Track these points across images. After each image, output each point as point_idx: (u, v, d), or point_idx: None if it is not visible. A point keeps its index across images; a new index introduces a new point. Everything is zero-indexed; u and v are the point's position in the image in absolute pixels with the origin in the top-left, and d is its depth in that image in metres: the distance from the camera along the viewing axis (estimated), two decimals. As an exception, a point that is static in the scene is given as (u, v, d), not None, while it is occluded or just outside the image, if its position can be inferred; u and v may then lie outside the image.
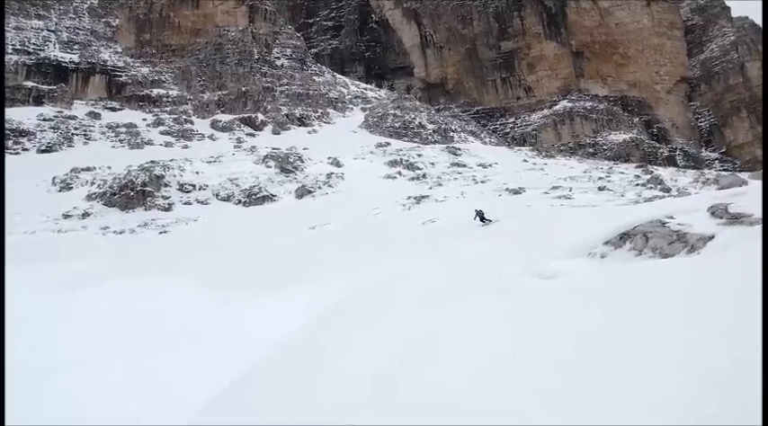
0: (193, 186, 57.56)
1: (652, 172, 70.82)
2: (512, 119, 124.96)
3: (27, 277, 21.58)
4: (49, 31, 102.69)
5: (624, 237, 12.98)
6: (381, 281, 17.62)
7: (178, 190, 56.60)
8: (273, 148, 73.58)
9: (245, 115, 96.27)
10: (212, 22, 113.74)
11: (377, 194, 56.82)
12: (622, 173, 71.56)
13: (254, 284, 20.14)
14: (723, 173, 77.01)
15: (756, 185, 19.29)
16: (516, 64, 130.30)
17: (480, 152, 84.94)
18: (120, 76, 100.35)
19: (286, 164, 66.71)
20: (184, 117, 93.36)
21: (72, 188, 57.25)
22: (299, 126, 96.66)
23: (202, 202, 55.35)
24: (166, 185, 56.62)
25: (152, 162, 61.11)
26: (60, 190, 56.77)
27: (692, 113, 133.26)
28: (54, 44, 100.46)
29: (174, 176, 58.34)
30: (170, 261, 28.66)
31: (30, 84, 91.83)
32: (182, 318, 15.04)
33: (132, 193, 54.03)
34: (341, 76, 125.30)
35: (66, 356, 11.34)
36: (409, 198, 54.58)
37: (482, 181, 64.33)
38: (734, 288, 7.39)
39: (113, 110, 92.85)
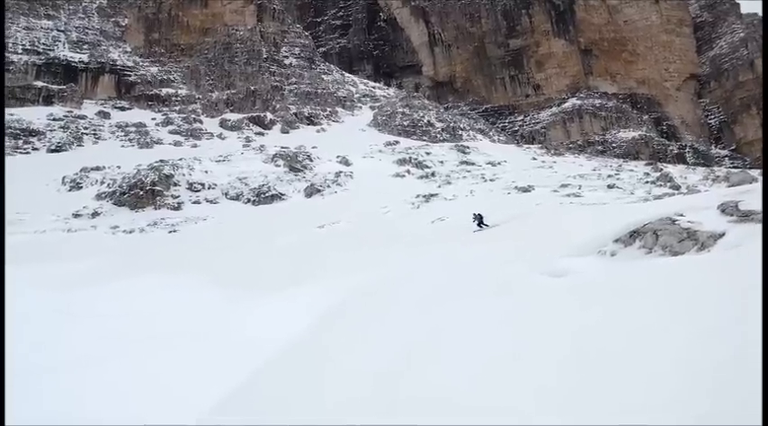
0: (202, 185, 57.66)
1: (662, 169, 70.66)
2: (520, 117, 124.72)
3: (36, 276, 21.64)
4: (58, 30, 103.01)
5: (634, 235, 12.93)
6: (386, 280, 17.57)
7: (187, 189, 56.71)
8: (282, 147, 73.67)
9: (254, 114, 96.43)
10: (221, 21, 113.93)
11: (386, 193, 56.78)
12: (632, 170, 71.41)
13: (263, 283, 20.13)
14: (733, 170, 76.82)
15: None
16: (525, 62, 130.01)
17: (489, 150, 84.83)
18: (130, 76, 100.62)
19: (295, 162, 66.77)
20: (193, 116, 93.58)
21: (82, 187, 57.43)
22: (308, 125, 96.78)
23: (212, 201, 55.45)
24: (176, 184, 56.73)
25: (161, 161, 61.26)
26: (70, 190, 56.96)
27: (702, 110, 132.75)
28: (63, 44, 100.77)
29: (184, 175, 58.46)
30: (179, 260, 28.68)
31: (39, 83, 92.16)
32: (188, 317, 15.03)
33: (142, 192, 54.15)
34: (349, 75, 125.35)
35: (70, 355, 11.31)
36: (418, 196, 54.56)
37: (491, 180, 64.23)
38: (743, 286, 7.35)
39: (123, 109, 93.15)
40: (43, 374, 10.02)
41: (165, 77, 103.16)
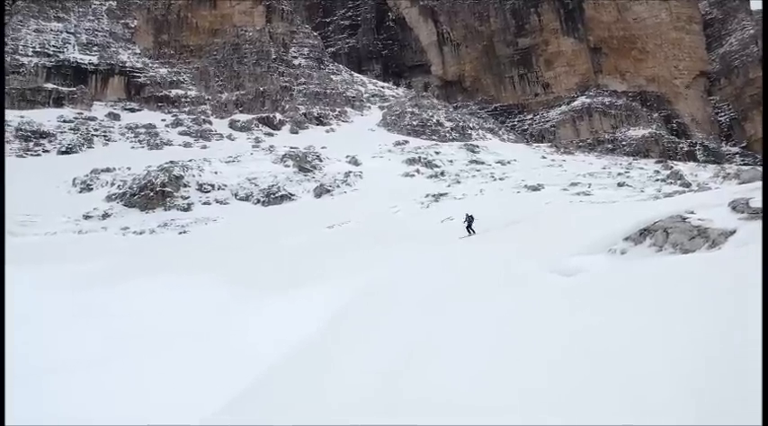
0: (212, 186, 57.78)
1: (672, 167, 70.48)
2: (530, 116, 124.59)
3: (47, 277, 21.72)
4: (68, 33, 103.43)
5: (644, 233, 12.89)
6: (395, 280, 17.58)
7: (197, 190, 56.84)
8: (291, 148, 73.86)
9: (263, 115, 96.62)
10: (230, 22, 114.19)
11: (395, 192, 56.83)
12: (642, 168, 71.24)
13: (272, 283, 20.12)
14: (744, 167, 76.45)
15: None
16: (534, 60, 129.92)
17: (498, 149, 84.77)
18: (139, 77, 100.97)
19: (304, 163, 66.88)
20: (203, 117, 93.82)
21: (92, 189, 57.63)
22: (317, 125, 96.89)
23: (221, 202, 55.57)
24: (185, 185, 56.88)
25: (171, 162, 61.46)
26: (81, 191, 57.17)
27: (712, 108, 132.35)
28: (73, 46, 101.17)
29: (194, 176, 58.60)
30: (189, 261, 28.74)
31: (50, 85, 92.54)
32: (197, 318, 15.03)
33: (152, 194, 54.31)
34: (358, 75, 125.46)
35: (76, 355, 11.29)
36: (428, 196, 54.55)
37: (500, 179, 64.18)
38: (753, 284, 7.31)
39: (132, 111, 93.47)
40: (46, 375, 9.97)
41: (174, 79, 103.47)
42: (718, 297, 7.35)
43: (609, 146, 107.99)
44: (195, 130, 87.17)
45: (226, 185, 58.44)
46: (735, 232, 10.89)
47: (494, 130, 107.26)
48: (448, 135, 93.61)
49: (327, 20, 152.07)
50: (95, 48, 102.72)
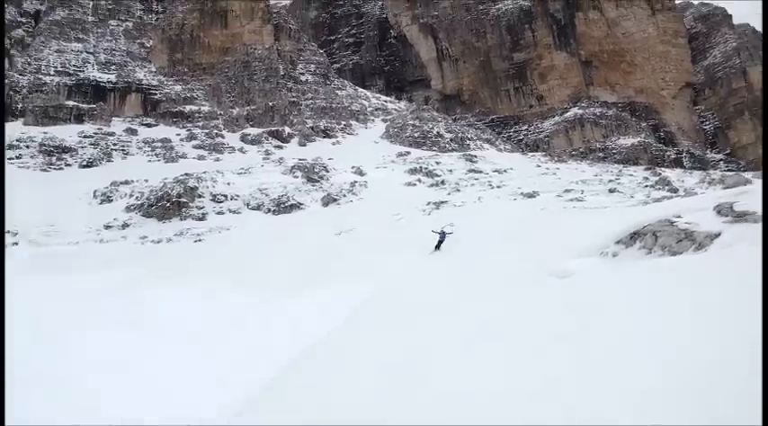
0: (225, 196, 57.89)
1: (660, 174, 70.49)
2: (525, 127, 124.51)
3: (70, 285, 21.84)
4: (87, 52, 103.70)
5: (635, 237, 13.01)
6: (400, 284, 17.70)
7: (211, 200, 56.94)
8: (300, 159, 74.00)
9: (273, 128, 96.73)
10: (240, 41, 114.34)
11: (398, 201, 56.92)
12: (631, 175, 71.28)
13: (286, 287, 20.25)
14: (728, 173, 76.48)
15: (760, 183, 19.17)
16: (528, 74, 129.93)
17: (495, 158, 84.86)
18: (155, 94, 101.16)
19: (312, 173, 67.02)
20: (215, 131, 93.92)
21: (112, 200, 57.76)
22: (324, 137, 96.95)
23: (234, 212, 55.64)
24: (200, 196, 56.99)
25: (186, 174, 61.56)
26: (101, 203, 57.29)
27: (697, 117, 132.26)
28: (93, 65, 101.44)
29: (207, 187, 58.72)
30: (206, 267, 28.86)
31: (71, 103, 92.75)
32: (210, 321, 15.15)
33: (168, 204, 54.41)
34: (362, 90, 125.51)
35: (116, 356, 11.36)
36: (429, 203, 54.64)
37: (498, 187, 64.27)
38: (738, 284, 7.40)
39: (149, 126, 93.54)
40: (67, 378, 9.94)
41: (188, 95, 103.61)
42: (705, 295, 7.46)
43: (600, 154, 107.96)
44: (208, 144, 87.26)
45: (238, 195, 58.53)
46: (720, 235, 10.99)
47: (491, 141, 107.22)
48: (447, 146, 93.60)
49: (332, 38, 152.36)
50: (113, 67, 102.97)
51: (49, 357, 10.39)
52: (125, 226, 50.35)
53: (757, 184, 19.52)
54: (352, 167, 72.38)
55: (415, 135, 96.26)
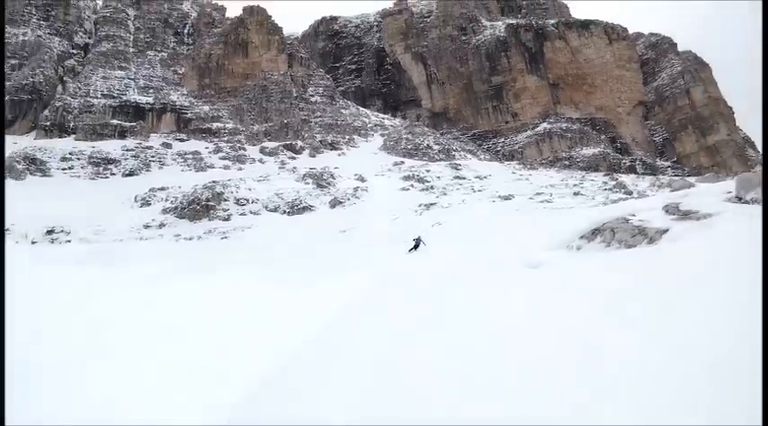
0: (247, 200, 57.91)
1: (617, 179, 70.63)
2: (502, 140, 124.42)
3: (116, 276, 21.84)
4: (129, 79, 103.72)
5: (596, 232, 13.01)
6: (396, 274, 17.76)
7: (235, 203, 56.96)
8: (310, 168, 74.08)
9: (287, 142, 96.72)
10: (259, 68, 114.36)
11: (394, 203, 57.02)
12: (593, 180, 71.38)
13: (301, 276, 20.27)
14: (675, 178, 76.54)
15: (702, 187, 19.20)
16: (504, 94, 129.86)
17: (477, 167, 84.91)
18: (187, 113, 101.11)
19: (321, 180, 67.08)
20: (238, 145, 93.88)
21: (150, 204, 57.78)
22: (331, 150, 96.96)
23: (254, 213, 55.67)
24: (225, 200, 57.01)
25: (213, 181, 61.64)
26: (141, 206, 57.31)
27: (648, 130, 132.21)
28: (133, 89, 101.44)
29: (232, 192, 58.75)
30: (231, 260, 28.86)
31: (115, 121, 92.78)
32: (239, 304, 15.13)
33: (198, 207, 54.43)
34: (363, 109, 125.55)
35: (155, 337, 11.32)
36: (420, 205, 54.69)
37: (479, 191, 64.35)
38: (684, 272, 7.47)
39: (182, 140, 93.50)
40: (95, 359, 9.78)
41: (215, 114, 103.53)
42: (654, 281, 7.53)
43: (566, 162, 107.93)
44: (232, 156, 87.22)
45: (258, 199, 58.55)
46: (668, 230, 11.00)
47: (473, 152, 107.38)
48: (436, 156, 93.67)
49: (337, 65, 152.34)
50: (151, 91, 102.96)
51: (81, 340, 10.18)
52: (161, 225, 50.37)
53: (699, 187, 19.55)
54: (355, 175, 72.47)
55: (409, 147, 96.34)
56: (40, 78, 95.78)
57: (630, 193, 56.40)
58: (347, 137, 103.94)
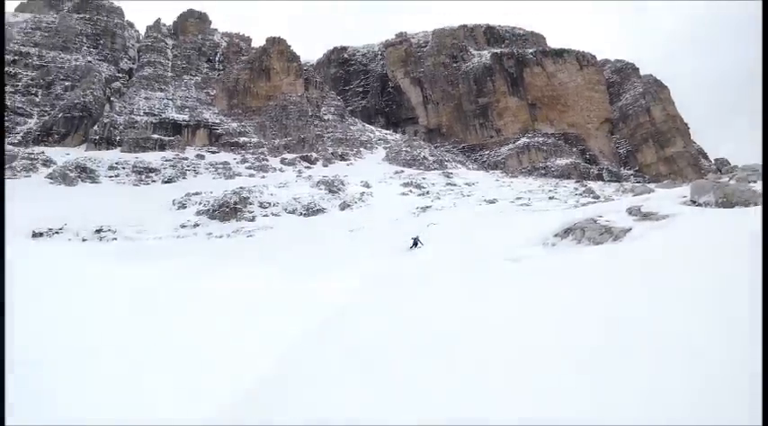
0: (269, 204, 57.92)
1: (586, 185, 70.62)
2: (487, 152, 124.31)
3: (158, 268, 21.88)
4: (168, 99, 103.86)
5: (568, 231, 13.00)
6: (395, 266, 17.77)
7: (258, 206, 56.95)
8: (323, 176, 74.05)
9: (304, 154, 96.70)
10: (279, 90, 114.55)
11: (395, 206, 57.06)
12: (565, 186, 71.35)
13: (316, 267, 20.30)
14: (636, 184, 76.47)
15: (660, 192, 19.13)
16: (490, 113, 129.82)
17: (466, 175, 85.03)
18: (217, 129, 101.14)
19: (332, 186, 67.08)
20: (262, 156, 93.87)
21: (186, 207, 57.79)
22: (341, 160, 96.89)
23: (275, 215, 55.66)
24: (251, 203, 57.02)
25: (240, 188, 61.67)
26: (178, 209, 57.32)
27: (614, 143, 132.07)
28: (171, 108, 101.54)
29: (256, 197, 58.77)
30: (257, 255, 28.94)
31: (155, 136, 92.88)
32: (260, 298, 15.14)
33: (227, 209, 54.44)
34: (368, 125, 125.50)
35: (195, 318, 11.28)
36: (417, 208, 54.67)
37: (468, 195, 64.33)
38: (643, 265, 7.47)
39: (213, 153, 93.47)
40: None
41: (241, 130, 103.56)
42: (618, 272, 7.52)
43: (542, 171, 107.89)
44: (256, 166, 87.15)
45: (278, 203, 58.56)
46: (630, 229, 11.00)
47: (462, 162, 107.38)
48: (431, 166, 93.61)
49: (347, 88, 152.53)
50: (186, 110, 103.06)
51: (127, 324, 10.20)
52: (196, 225, 50.38)
53: (658, 192, 19.53)
54: (362, 182, 72.50)
55: (407, 158, 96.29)
56: (90, 98, 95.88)
57: (598, 198, 56.29)
58: (355, 149, 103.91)
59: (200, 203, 58.34)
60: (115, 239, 42.50)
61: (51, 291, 12.83)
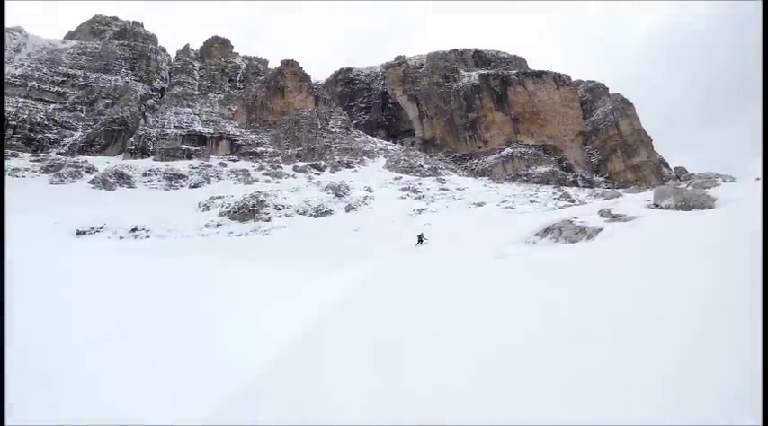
0: (283, 206, 57.92)
1: (563, 191, 70.53)
2: (476, 161, 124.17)
3: (185, 263, 21.89)
4: (195, 114, 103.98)
5: (547, 231, 12.99)
6: (396, 263, 17.76)
7: (274, 208, 56.97)
8: (331, 182, 74.07)
9: (314, 162, 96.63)
10: (292, 106, 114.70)
11: (394, 208, 57.05)
12: (545, 191, 71.28)
13: (325, 263, 20.29)
14: (607, 190, 76.48)
15: (628, 197, 19.14)
16: (478, 126, 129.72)
17: (457, 181, 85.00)
18: (238, 141, 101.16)
19: (339, 191, 67.07)
20: (277, 164, 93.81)
21: (210, 209, 57.81)
22: (346, 168, 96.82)
23: (288, 216, 55.68)
24: (267, 206, 57.03)
25: (258, 192, 61.70)
26: (203, 210, 57.35)
27: (587, 153, 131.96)
28: (198, 122, 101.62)
29: (271, 200, 58.78)
30: (272, 251, 28.93)
31: (184, 146, 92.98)
32: (275, 288, 15.12)
33: (246, 211, 54.46)
34: (371, 137, 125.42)
35: (210, 310, 11.29)
36: (414, 210, 54.71)
37: (459, 199, 64.31)
38: (614, 261, 7.51)
39: (234, 161, 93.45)
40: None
41: (259, 141, 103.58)
42: (590, 267, 7.55)
43: (524, 178, 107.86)
44: (272, 173, 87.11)
45: (291, 205, 58.57)
46: (602, 229, 11.00)
47: (454, 170, 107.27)
48: (426, 173, 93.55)
49: (351, 104, 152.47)
50: (211, 123, 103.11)
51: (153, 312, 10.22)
52: (218, 225, 50.40)
53: (626, 197, 19.54)
54: (365, 187, 72.46)
55: (405, 166, 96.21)
56: (128, 113, 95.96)
57: (573, 201, 56.34)
58: (359, 158, 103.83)
59: (223, 205, 58.37)
60: (148, 237, 42.54)
61: (104, 279, 12.98)
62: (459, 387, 4.52)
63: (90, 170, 73.06)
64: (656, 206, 11.76)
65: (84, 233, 41.88)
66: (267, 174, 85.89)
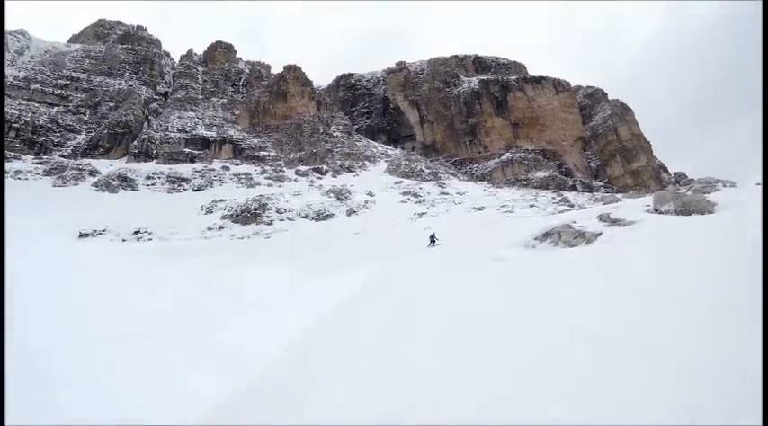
0: (285, 209, 57.93)
1: (562, 195, 70.52)
2: (476, 165, 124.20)
3: (187, 265, 21.85)
4: (198, 118, 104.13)
5: (546, 235, 12.95)
6: (397, 266, 17.71)
7: (276, 212, 56.98)
8: (333, 186, 74.05)
9: (316, 166, 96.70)
10: (295, 111, 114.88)
11: (395, 212, 57.01)
12: (544, 196, 71.29)
13: (326, 267, 20.22)
14: (606, 195, 76.43)
15: (627, 201, 19.12)
16: (478, 131, 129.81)
17: (457, 185, 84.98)
18: (240, 144, 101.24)
19: (340, 195, 67.07)
20: (279, 168, 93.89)
21: (213, 212, 57.83)
22: (348, 172, 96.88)
23: (290, 219, 55.68)
24: (269, 209, 57.05)
25: (260, 195, 61.76)
26: (206, 213, 57.37)
27: (586, 159, 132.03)
28: (201, 126, 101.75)
29: (274, 204, 58.80)
30: (273, 254, 28.86)
31: (187, 150, 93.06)
32: (275, 288, 15.10)
33: (248, 214, 54.48)
34: (372, 142, 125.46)
35: (215, 312, 11.30)
36: (414, 214, 54.66)
37: (459, 203, 64.31)
38: (612, 264, 7.49)
39: (237, 164, 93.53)
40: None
41: (261, 145, 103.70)
42: (589, 270, 7.52)
43: (524, 182, 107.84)
44: (274, 176, 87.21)
45: (293, 209, 58.57)
46: (601, 234, 10.97)
47: (454, 174, 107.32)
48: (426, 177, 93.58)
49: (353, 109, 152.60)
50: (214, 127, 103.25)
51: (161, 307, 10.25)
52: (221, 228, 50.40)
53: (625, 201, 19.52)
54: (366, 191, 72.50)
55: (406, 170, 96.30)
56: (131, 117, 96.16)
57: (573, 206, 56.28)
58: (360, 162, 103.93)
59: (225, 209, 58.39)
60: (151, 239, 42.55)
61: (111, 279, 12.97)
62: (467, 383, 4.70)
63: (93, 173, 73.15)
64: (656, 211, 11.74)
65: (87, 235, 41.88)
66: (269, 178, 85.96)
